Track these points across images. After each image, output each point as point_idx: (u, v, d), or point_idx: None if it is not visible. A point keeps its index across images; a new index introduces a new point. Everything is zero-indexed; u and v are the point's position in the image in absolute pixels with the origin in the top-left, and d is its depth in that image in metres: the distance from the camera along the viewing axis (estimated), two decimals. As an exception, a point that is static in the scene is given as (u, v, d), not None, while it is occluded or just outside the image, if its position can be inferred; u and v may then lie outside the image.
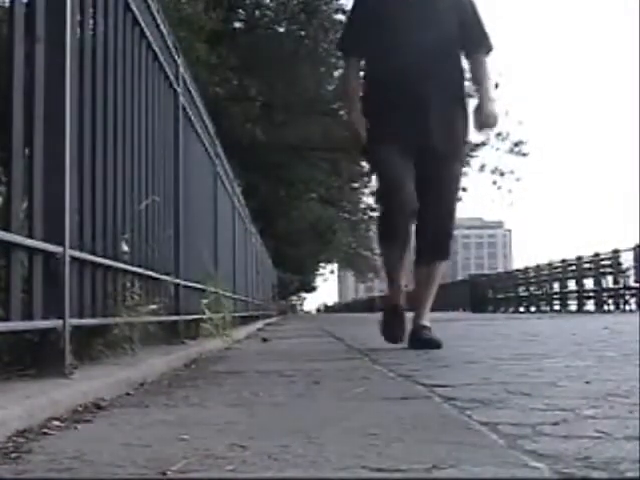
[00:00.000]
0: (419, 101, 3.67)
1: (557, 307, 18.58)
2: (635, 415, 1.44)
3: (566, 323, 8.09)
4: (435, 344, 3.54)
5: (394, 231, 3.72)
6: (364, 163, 25.35)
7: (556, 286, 19.06)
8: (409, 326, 3.75)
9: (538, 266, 20.54)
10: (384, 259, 3.88)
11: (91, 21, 2.63)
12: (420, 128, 3.66)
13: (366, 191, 28.25)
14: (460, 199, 4.00)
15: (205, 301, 4.83)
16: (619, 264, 15.98)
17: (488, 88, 3.87)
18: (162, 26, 3.88)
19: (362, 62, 4.00)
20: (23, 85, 1.93)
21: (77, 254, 2.28)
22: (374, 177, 4.00)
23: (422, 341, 3.57)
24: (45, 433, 1.40)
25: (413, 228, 3.79)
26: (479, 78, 3.90)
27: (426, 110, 3.67)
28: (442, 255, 3.85)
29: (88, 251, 2.46)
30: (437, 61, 3.73)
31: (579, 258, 17.81)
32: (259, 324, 10.03)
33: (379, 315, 3.98)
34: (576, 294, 17.73)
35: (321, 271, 46.34)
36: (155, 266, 3.56)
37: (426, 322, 3.73)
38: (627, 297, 15.46)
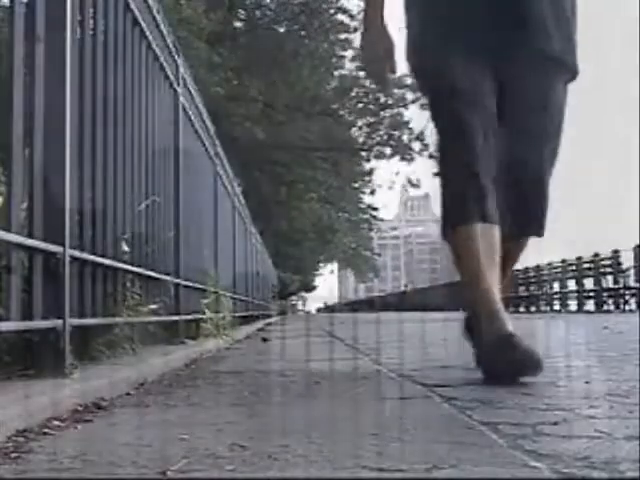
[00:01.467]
0: None
1: (557, 307, 18.59)
2: (635, 415, 1.44)
3: (566, 323, 8.08)
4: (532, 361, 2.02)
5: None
6: (364, 162, 25.45)
7: (556, 286, 19.08)
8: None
9: (538, 266, 20.55)
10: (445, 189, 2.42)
11: (91, 21, 2.63)
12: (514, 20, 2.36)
13: (366, 191, 28.33)
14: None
15: (205, 301, 4.83)
16: (619, 264, 16.01)
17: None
18: (162, 26, 3.88)
19: None
20: (23, 85, 1.93)
21: (77, 254, 2.28)
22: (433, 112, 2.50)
23: (513, 361, 2.04)
24: (45, 433, 1.40)
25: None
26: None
27: None
28: (534, 228, 2.52)
29: (88, 251, 2.46)
30: None
31: (579, 258, 17.83)
32: (259, 324, 10.03)
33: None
34: (576, 294, 17.74)
35: (321, 271, 46.38)
36: (155, 266, 3.56)
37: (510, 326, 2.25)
38: (627, 297, 15.48)
